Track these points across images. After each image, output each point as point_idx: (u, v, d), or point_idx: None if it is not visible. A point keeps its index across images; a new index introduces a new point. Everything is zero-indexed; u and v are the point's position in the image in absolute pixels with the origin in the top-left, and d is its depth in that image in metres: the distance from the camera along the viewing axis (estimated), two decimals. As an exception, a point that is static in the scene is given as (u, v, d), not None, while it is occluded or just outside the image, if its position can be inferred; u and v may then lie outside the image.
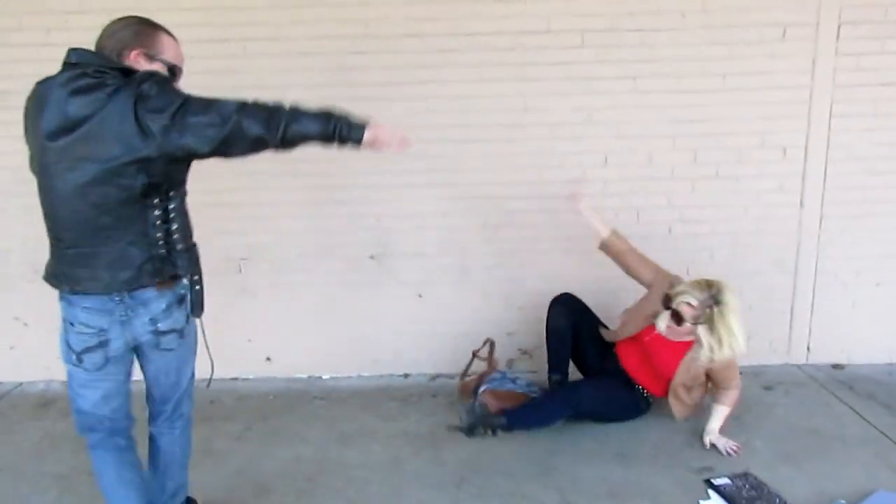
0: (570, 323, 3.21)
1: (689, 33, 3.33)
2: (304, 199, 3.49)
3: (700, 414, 3.03)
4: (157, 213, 1.90)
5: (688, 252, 3.49)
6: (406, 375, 3.70)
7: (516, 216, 3.52)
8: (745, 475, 2.61)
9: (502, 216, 3.53)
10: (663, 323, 2.91)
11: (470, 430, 2.96)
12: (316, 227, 3.53)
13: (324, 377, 3.71)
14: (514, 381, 3.30)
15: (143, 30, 1.94)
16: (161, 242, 1.92)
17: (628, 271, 3.18)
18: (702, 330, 2.83)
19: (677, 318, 2.87)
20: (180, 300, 1.99)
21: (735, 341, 2.80)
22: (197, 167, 3.60)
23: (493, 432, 2.95)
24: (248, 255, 3.56)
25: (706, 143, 3.46)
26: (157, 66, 1.93)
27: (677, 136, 3.45)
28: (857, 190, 3.51)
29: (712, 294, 2.82)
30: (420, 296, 3.62)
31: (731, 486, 2.53)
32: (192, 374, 2.22)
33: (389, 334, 3.66)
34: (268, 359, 3.70)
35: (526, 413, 3.04)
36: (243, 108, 1.84)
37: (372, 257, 3.57)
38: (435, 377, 3.64)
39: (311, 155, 3.42)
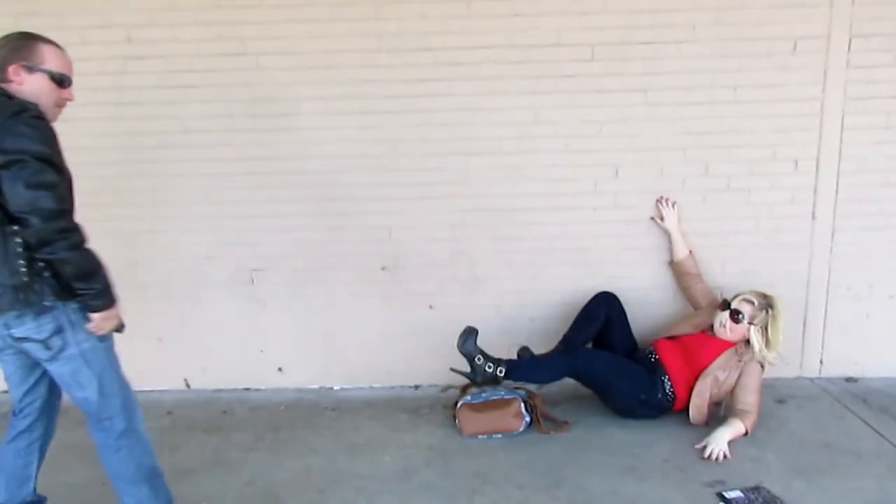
0: (607, 316, 3.36)
1: (699, 46, 3.35)
2: (315, 211, 3.52)
3: (710, 424, 3.05)
4: (17, 240, 1.91)
5: (699, 264, 3.49)
6: (417, 386, 3.70)
7: (527, 228, 3.53)
8: (757, 489, 2.59)
9: (513, 228, 3.54)
10: (721, 323, 3.14)
11: (469, 358, 3.07)
12: (327, 238, 3.55)
13: (335, 388, 3.72)
14: (494, 391, 3.22)
15: (22, 43, 1.98)
16: (23, 270, 1.93)
17: (688, 292, 3.49)
18: (754, 331, 3.08)
19: (735, 316, 3.11)
20: (40, 311, 1.98)
21: (779, 345, 3.08)
22: (207, 180, 3.67)
23: (494, 376, 3.06)
24: (260, 267, 3.59)
25: (717, 156, 3.46)
26: (38, 77, 1.99)
27: (688, 149, 3.46)
28: (869, 202, 3.50)
29: (767, 300, 3.12)
30: (431, 307, 3.63)
31: (742, 500, 2.51)
32: (111, 390, 2.15)
33: (400, 345, 3.67)
34: (279, 369, 3.72)
35: (525, 365, 3.14)
36: (52, 216, 1.86)
37: (383, 268, 3.59)
38: (446, 388, 3.65)
39: (322, 167, 3.49)
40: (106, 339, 2.14)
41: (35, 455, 2.32)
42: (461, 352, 3.09)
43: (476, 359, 3.06)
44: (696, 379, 3.12)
